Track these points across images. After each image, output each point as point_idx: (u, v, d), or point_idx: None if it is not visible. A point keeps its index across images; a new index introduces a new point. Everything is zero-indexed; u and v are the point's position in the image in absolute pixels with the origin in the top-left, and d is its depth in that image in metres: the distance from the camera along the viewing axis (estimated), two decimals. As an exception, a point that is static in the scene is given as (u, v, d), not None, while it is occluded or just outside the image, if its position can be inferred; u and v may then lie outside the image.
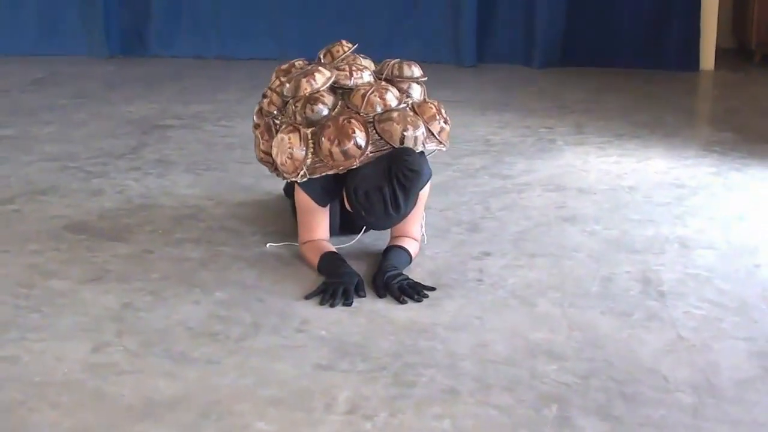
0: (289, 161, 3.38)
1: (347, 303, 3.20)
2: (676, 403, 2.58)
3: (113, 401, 2.58)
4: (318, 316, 3.08)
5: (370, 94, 3.43)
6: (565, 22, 7.34)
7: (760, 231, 3.90)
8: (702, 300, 3.23)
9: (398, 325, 3.04)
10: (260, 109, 3.79)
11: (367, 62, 3.75)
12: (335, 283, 3.27)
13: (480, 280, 3.38)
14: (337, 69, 3.56)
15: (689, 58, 7.30)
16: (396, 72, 3.62)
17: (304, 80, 3.47)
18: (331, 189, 3.45)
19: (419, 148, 3.38)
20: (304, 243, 3.53)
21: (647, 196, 4.32)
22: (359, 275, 3.33)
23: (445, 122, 3.55)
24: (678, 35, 7.31)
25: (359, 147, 3.30)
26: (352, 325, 3.04)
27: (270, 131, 3.64)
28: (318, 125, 3.38)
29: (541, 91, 6.57)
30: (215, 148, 5.08)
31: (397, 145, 3.32)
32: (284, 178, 3.51)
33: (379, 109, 3.39)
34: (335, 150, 3.30)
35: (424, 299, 3.21)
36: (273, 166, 3.61)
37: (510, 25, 7.21)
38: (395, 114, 3.38)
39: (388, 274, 3.33)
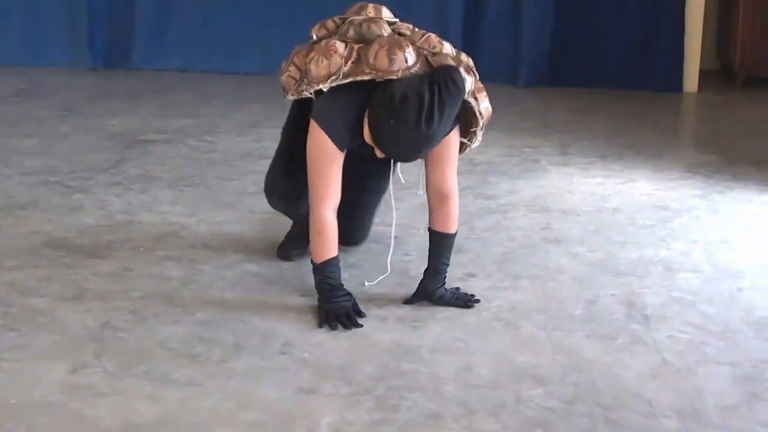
0: (324, 63, 3.18)
1: (352, 324, 3.17)
2: (660, 428, 2.58)
3: (92, 424, 2.55)
4: (301, 339, 3.06)
5: (431, 36, 3.31)
6: (551, 42, 7.35)
7: (743, 254, 3.91)
8: (686, 324, 3.22)
9: (382, 347, 3.02)
10: (300, 49, 3.46)
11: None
12: (333, 309, 3.21)
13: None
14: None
15: (673, 80, 7.30)
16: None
17: (371, 6, 3.41)
18: (354, 125, 3.21)
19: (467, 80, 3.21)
20: (321, 215, 3.23)
21: (631, 218, 4.31)
22: (351, 296, 3.28)
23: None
24: (662, 57, 7.32)
25: (407, 60, 3.15)
26: (335, 347, 3.01)
27: (308, 48, 3.38)
28: (367, 44, 3.23)
29: (526, 110, 6.56)
30: (198, 164, 5.04)
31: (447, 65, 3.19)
32: (306, 90, 3.26)
33: (432, 47, 3.26)
34: (382, 55, 3.13)
35: (411, 322, 3.20)
36: (297, 81, 3.34)
37: (496, 43, 7.21)
38: (450, 54, 3.27)
39: (439, 294, 3.34)
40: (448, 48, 3.30)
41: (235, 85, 7.10)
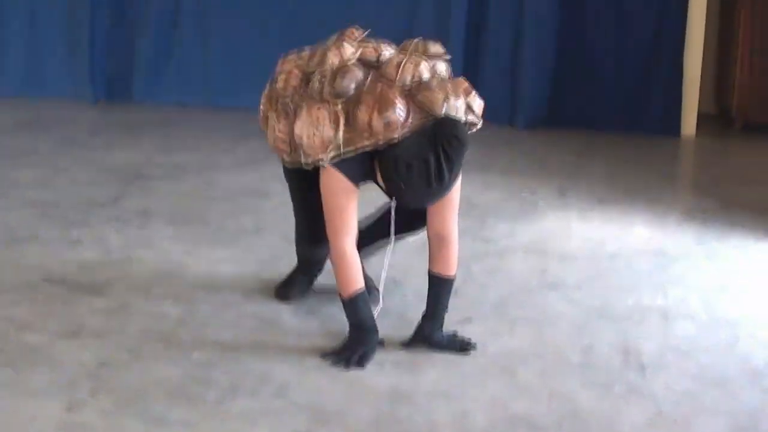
0: (317, 139, 3.16)
1: (361, 365, 3.18)
2: (656, 481, 2.58)
3: (86, 464, 2.55)
4: (297, 381, 3.06)
5: (405, 62, 3.22)
6: (551, 84, 7.38)
7: (740, 303, 3.91)
8: (682, 373, 3.23)
9: (378, 392, 3.01)
10: (269, 94, 3.49)
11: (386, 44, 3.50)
12: (357, 348, 3.22)
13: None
14: (361, 45, 3.37)
15: (671, 124, 7.33)
16: (420, 49, 3.36)
17: (330, 52, 3.28)
18: (365, 165, 3.23)
19: (462, 119, 3.22)
20: (341, 248, 3.23)
21: (629, 264, 4.31)
22: (381, 338, 3.28)
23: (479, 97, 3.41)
24: (660, 101, 7.35)
25: (400, 117, 3.12)
26: (332, 391, 3.01)
27: (286, 113, 3.32)
28: (349, 98, 3.18)
29: (526, 152, 6.58)
30: (197, 201, 5.06)
31: (439, 114, 3.15)
32: (305, 162, 3.24)
33: (412, 79, 3.20)
34: (376, 121, 3.10)
35: (407, 366, 3.20)
36: (290, 151, 3.30)
37: (496, 85, 7.23)
38: (434, 83, 3.22)
39: (437, 338, 3.35)
40: (424, 69, 3.24)
41: (236, 120, 7.10)
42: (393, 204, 3.36)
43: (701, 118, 7.46)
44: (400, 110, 3.12)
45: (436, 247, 3.40)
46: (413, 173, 3.05)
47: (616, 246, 4.57)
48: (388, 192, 3.23)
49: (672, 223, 4.98)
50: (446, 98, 3.17)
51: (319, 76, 3.26)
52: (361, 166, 3.21)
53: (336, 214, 3.23)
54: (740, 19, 7.38)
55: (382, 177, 3.17)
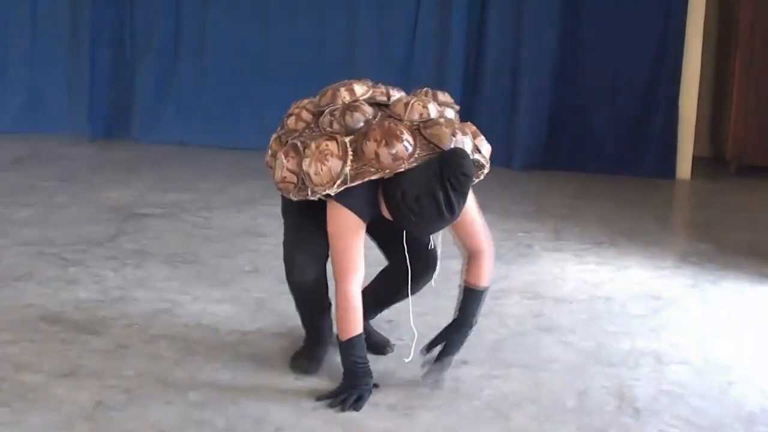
0: (324, 172, 3.15)
1: (357, 408, 3.19)
2: None
3: (82, 506, 2.56)
4: (293, 423, 3.06)
5: (414, 102, 3.29)
6: (547, 126, 7.40)
7: (734, 347, 3.92)
8: (676, 418, 3.23)
9: (373, 435, 3.02)
10: (279, 137, 3.50)
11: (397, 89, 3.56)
12: (353, 391, 3.23)
13: (456, 390, 3.37)
14: (371, 87, 3.45)
15: (666, 167, 7.35)
16: (430, 96, 3.46)
17: (343, 89, 3.35)
18: (371, 198, 3.25)
19: (469, 153, 3.25)
20: (346, 289, 3.23)
21: (623, 308, 4.33)
22: (375, 382, 3.30)
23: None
24: (656, 144, 7.39)
25: (407, 149, 3.14)
26: (327, 433, 3.02)
27: (296, 151, 3.30)
28: (357, 133, 3.22)
29: (521, 194, 6.60)
30: (193, 240, 5.07)
31: (446, 145, 3.18)
32: (312, 194, 3.21)
33: (420, 117, 3.25)
34: (383, 152, 3.12)
35: (402, 409, 3.20)
36: (298, 187, 3.27)
37: (492, 126, 7.23)
38: (442, 120, 3.27)
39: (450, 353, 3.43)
40: (432, 109, 3.31)
41: (233, 159, 7.16)
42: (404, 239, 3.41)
43: (696, 161, 7.50)
44: (407, 143, 3.14)
45: (472, 260, 3.51)
46: (423, 205, 3.08)
47: (610, 289, 4.59)
48: (396, 223, 3.23)
49: (667, 266, 5.00)
50: (454, 133, 3.21)
51: (329, 113, 3.30)
52: (367, 200, 3.23)
53: (344, 255, 3.24)
54: (735, 63, 7.44)
55: (390, 209, 3.19)
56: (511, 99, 7.30)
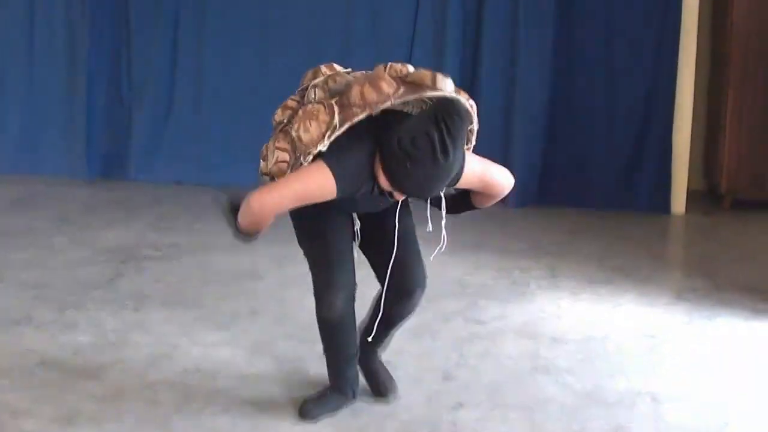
0: (313, 126, 3.11)
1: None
2: None
3: None
4: (291, 469, 3.09)
5: (392, 64, 3.27)
6: (541, 163, 7.43)
7: (729, 386, 3.93)
8: (673, 458, 3.26)
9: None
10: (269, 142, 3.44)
11: None
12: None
13: (453, 433, 3.39)
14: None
15: (661, 201, 7.37)
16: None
17: (323, 66, 3.37)
18: (365, 170, 3.17)
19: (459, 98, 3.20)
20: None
21: (619, 347, 4.34)
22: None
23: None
24: (649, 179, 7.41)
25: (391, 86, 3.12)
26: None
27: (285, 132, 3.27)
28: (341, 92, 3.19)
29: (517, 231, 6.61)
30: (191, 282, 5.08)
31: (429, 84, 3.14)
32: (305, 158, 3.14)
33: (399, 72, 3.23)
34: (367, 89, 3.09)
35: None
36: (290, 162, 3.21)
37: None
38: (420, 72, 3.22)
39: None
40: (410, 67, 3.30)
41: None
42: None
43: (691, 195, 7.50)
44: (389, 83, 3.14)
45: (491, 198, 3.63)
46: (418, 148, 3.01)
47: (606, 327, 4.60)
48: (393, 182, 3.13)
49: (662, 303, 5.00)
50: (434, 75, 3.17)
51: (312, 86, 3.30)
52: (359, 171, 3.16)
53: (284, 183, 3.19)
54: (728, 97, 7.45)
55: (385, 164, 3.10)
56: (505, 136, 7.33)
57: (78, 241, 5.84)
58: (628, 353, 4.27)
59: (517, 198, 7.33)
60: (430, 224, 3.38)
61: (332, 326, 3.39)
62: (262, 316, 4.54)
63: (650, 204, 7.36)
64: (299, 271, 5.22)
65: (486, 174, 3.49)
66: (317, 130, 3.10)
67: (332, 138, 3.09)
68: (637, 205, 7.36)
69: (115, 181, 7.68)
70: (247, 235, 3.39)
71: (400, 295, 3.49)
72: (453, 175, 3.14)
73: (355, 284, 3.37)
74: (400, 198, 3.26)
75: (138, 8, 7.72)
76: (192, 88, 7.76)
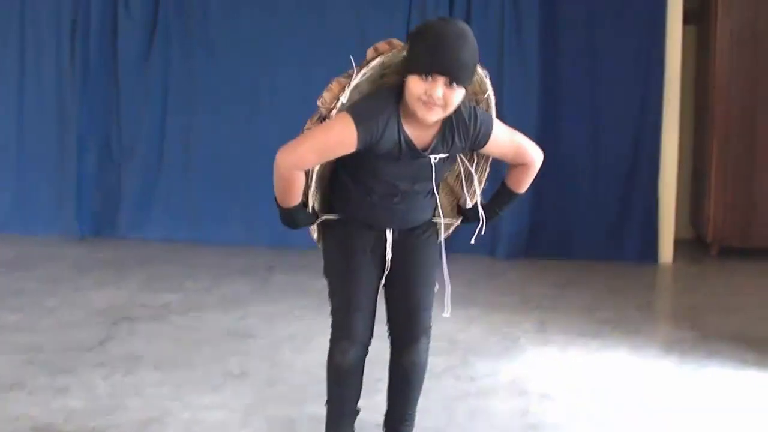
0: (335, 83, 3.22)
1: None
2: None
3: None
4: None
5: None
6: (529, 215, 7.47)
7: (720, 438, 3.95)
8: None
9: None
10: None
11: None
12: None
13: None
14: None
15: (648, 251, 7.44)
16: None
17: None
18: (384, 115, 3.16)
19: None
20: (279, 159, 3.16)
21: (609, 401, 4.35)
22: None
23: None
24: (636, 229, 7.49)
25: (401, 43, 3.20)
26: None
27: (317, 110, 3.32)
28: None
29: (506, 284, 6.63)
30: (183, 344, 5.09)
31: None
32: (327, 114, 3.20)
33: None
34: (379, 44, 3.21)
35: None
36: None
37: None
38: None
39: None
40: None
41: (219, 256, 7.22)
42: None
43: (678, 244, 7.60)
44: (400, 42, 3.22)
45: (520, 168, 3.62)
46: (427, 22, 3.14)
47: (596, 381, 4.61)
48: (415, 69, 3.11)
49: (651, 356, 5.02)
50: None
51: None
52: (380, 113, 3.17)
53: (308, 138, 3.19)
54: (712, 148, 7.60)
55: (406, 60, 3.15)
56: (493, 188, 7.36)
57: (70, 302, 5.85)
58: (618, 407, 4.28)
59: (506, 250, 7.52)
60: (448, 309, 3.49)
61: (340, 374, 3.37)
62: (253, 377, 4.55)
63: (638, 254, 7.46)
64: (290, 330, 5.34)
65: (515, 137, 3.51)
66: (337, 86, 3.19)
67: (351, 87, 3.17)
68: (625, 256, 7.45)
69: (106, 239, 7.74)
70: (288, 212, 3.30)
71: (407, 342, 3.41)
72: (470, 57, 3.11)
73: (371, 335, 3.35)
74: (429, 146, 3.24)
75: (127, 70, 7.85)
76: (181, 147, 7.87)
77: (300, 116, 3.25)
